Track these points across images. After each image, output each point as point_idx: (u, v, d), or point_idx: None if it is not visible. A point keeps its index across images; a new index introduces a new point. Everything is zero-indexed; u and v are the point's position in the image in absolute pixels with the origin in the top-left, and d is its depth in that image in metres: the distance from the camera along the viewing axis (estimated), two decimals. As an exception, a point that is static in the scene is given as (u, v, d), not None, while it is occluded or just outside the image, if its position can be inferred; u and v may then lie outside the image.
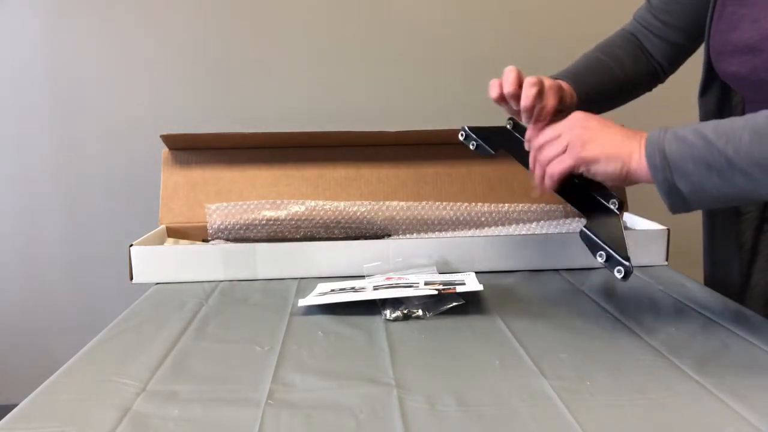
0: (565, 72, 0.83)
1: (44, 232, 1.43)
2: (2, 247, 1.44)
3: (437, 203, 1.03)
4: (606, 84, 0.84)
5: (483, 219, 1.02)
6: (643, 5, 0.86)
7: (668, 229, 0.92)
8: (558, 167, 0.64)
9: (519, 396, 0.52)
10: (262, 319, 0.72)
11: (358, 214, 1.00)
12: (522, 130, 0.72)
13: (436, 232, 1.00)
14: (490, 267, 0.89)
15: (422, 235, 0.98)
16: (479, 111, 1.29)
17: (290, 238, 1.00)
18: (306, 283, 0.85)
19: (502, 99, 0.70)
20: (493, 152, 0.78)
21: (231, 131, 1.02)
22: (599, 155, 0.61)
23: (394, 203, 1.01)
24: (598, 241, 0.65)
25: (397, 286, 0.76)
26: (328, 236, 1.00)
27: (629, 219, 1.03)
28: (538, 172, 0.67)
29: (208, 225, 1.00)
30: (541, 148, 0.66)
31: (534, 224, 1.01)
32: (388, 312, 0.71)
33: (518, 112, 0.70)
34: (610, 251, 0.64)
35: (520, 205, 1.04)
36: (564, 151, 0.63)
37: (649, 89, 0.88)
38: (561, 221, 1.01)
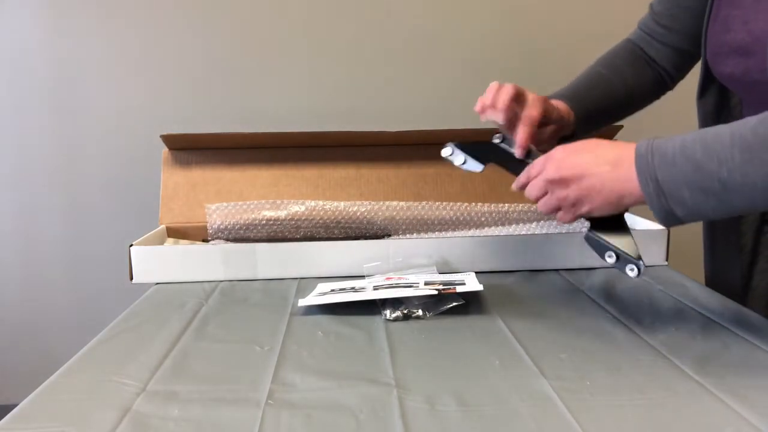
0: (564, 90, 0.83)
1: (44, 232, 1.43)
2: (2, 247, 1.44)
3: (437, 203, 1.03)
4: (607, 99, 0.84)
5: (483, 219, 1.02)
6: (646, 13, 0.86)
7: (668, 229, 0.92)
8: (566, 218, 0.63)
9: (519, 396, 0.52)
10: (262, 319, 0.72)
11: (358, 214, 1.00)
12: (511, 143, 0.71)
13: (436, 232, 1.00)
14: (490, 267, 0.89)
15: (422, 235, 0.98)
16: (479, 111, 1.29)
17: (290, 238, 1.00)
18: (306, 283, 0.85)
19: (484, 111, 0.72)
20: (481, 168, 0.75)
21: (231, 131, 1.02)
22: (595, 208, 0.61)
23: (394, 203, 1.01)
24: (606, 242, 0.63)
25: (397, 286, 0.76)
26: (328, 236, 1.00)
27: (629, 219, 1.03)
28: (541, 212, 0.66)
29: (208, 225, 1.00)
30: (535, 197, 0.66)
31: (534, 224, 1.01)
32: (388, 312, 0.71)
33: (504, 127, 0.72)
34: (620, 251, 0.63)
35: (520, 205, 1.04)
36: (560, 208, 0.63)
37: (657, 97, 0.88)
38: (561, 221, 1.01)
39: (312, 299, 0.75)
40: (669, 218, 0.56)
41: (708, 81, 0.78)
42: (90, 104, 1.39)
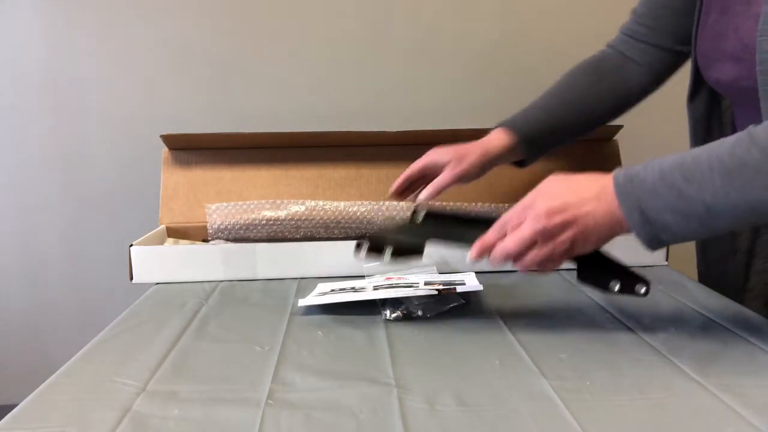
0: (519, 115, 0.87)
1: (44, 232, 1.43)
2: (2, 247, 1.44)
3: (437, 203, 1.03)
4: (560, 122, 0.86)
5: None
6: (628, 19, 0.86)
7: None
8: (553, 266, 0.60)
9: (519, 396, 0.52)
10: (262, 319, 0.72)
11: (358, 214, 1.00)
12: (438, 215, 0.65)
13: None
14: (490, 267, 0.89)
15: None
16: (479, 111, 1.29)
17: (290, 238, 1.00)
18: (306, 283, 0.85)
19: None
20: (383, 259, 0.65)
21: (231, 131, 1.02)
22: (590, 246, 0.59)
23: (394, 203, 1.01)
24: (603, 276, 0.62)
25: (397, 286, 0.76)
26: (328, 236, 1.00)
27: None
28: (522, 268, 0.61)
29: (208, 225, 1.00)
30: (516, 253, 0.60)
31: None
32: (388, 312, 0.71)
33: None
34: (627, 270, 0.62)
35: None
36: (551, 257, 0.59)
37: (639, 99, 0.88)
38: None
39: (312, 299, 0.75)
40: (654, 243, 0.56)
41: (698, 85, 0.79)
42: (90, 104, 1.39)
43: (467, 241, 0.61)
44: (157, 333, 0.68)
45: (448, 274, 0.83)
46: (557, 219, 0.57)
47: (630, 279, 0.62)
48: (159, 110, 1.38)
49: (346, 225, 1.00)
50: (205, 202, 1.02)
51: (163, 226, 1.00)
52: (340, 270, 0.88)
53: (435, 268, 0.87)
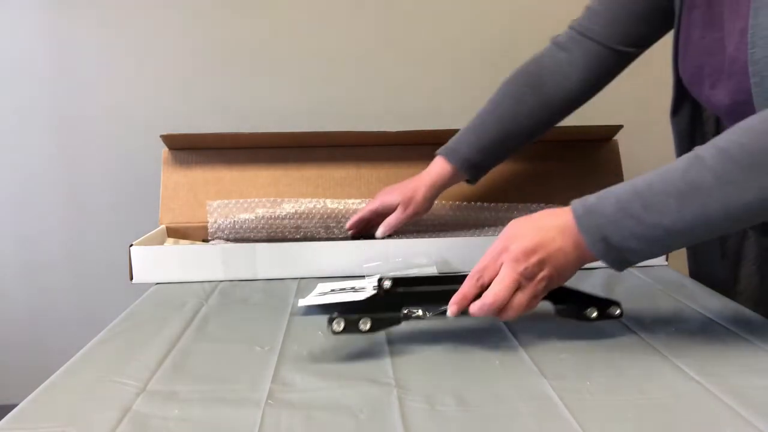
0: (458, 139, 0.90)
1: (44, 232, 1.43)
2: (2, 246, 1.44)
3: (437, 203, 1.03)
4: (501, 135, 0.88)
5: (483, 219, 1.02)
6: (581, 14, 0.86)
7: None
8: (534, 304, 0.60)
9: (519, 396, 0.52)
10: (262, 319, 0.72)
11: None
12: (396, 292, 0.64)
13: (436, 232, 1.00)
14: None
15: (422, 235, 0.98)
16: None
17: (290, 238, 1.00)
18: (306, 283, 0.85)
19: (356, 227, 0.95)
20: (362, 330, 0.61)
21: (231, 131, 1.02)
22: (564, 280, 0.61)
23: (394, 203, 1.01)
24: (579, 307, 0.64)
25: (397, 286, 0.76)
26: (328, 236, 1.00)
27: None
28: (506, 317, 0.60)
29: (208, 223, 1.00)
30: (502, 301, 0.59)
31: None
32: (388, 312, 0.71)
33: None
34: (600, 297, 0.65)
35: (520, 204, 1.04)
36: (534, 294, 0.59)
37: (578, 105, 0.89)
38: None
39: (312, 299, 0.75)
40: (622, 266, 0.59)
41: (681, 99, 0.79)
42: (90, 104, 1.39)
43: (441, 299, 0.61)
44: (157, 333, 0.68)
45: (448, 274, 0.83)
46: (534, 258, 0.58)
47: (604, 304, 0.64)
48: (159, 110, 1.38)
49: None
50: (205, 203, 1.02)
51: (163, 226, 1.00)
52: (340, 270, 0.88)
53: (435, 268, 0.87)
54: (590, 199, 0.59)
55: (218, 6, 1.36)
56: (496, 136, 0.88)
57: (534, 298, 0.59)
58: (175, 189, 1.04)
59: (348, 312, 0.59)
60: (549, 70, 0.87)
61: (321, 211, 1.00)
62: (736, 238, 0.83)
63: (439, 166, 0.90)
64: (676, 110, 0.81)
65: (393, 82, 1.40)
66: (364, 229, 0.97)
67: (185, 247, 0.94)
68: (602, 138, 1.10)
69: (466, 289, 0.60)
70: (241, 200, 1.02)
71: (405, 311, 0.68)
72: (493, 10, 1.38)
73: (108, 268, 1.42)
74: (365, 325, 0.58)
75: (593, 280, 0.85)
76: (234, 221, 1.00)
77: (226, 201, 1.01)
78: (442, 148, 0.91)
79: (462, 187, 0.96)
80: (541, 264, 0.58)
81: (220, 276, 0.88)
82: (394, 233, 0.95)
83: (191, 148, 1.06)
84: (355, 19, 1.38)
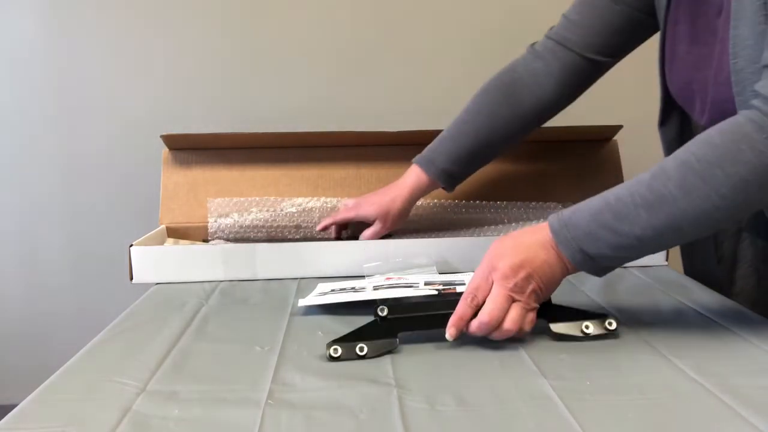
0: (433, 148, 0.92)
1: (44, 232, 1.43)
2: (2, 247, 1.44)
3: (437, 203, 1.03)
4: (476, 144, 0.90)
5: (483, 219, 1.02)
6: (558, 23, 0.86)
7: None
8: (531, 319, 0.62)
9: (519, 396, 0.52)
10: (262, 319, 0.72)
11: (358, 214, 0.99)
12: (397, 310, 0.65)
13: (436, 232, 1.00)
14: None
15: (422, 235, 0.98)
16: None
17: (290, 238, 1.00)
18: (306, 283, 0.85)
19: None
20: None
21: (231, 131, 1.02)
22: (551, 292, 0.64)
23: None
24: (572, 321, 0.64)
25: (397, 286, 0.76)
26: (328, 236, 1.00)
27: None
28: (505, 333, 0.62)
29: (209, 221, 1.00)
30: (498, 317, 0.61)
31: (534, 222, 1.01)
32: (388, 312, 0.71)
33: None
34: (592, 312, 0.65)
35: (519, 203, 1.04)
36: (526, 308, 0.61)
37: (553, 114, 0.90)
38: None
39: (312, 299, 0.75)
40: (601, 272, 0.63)
41: (668, 109, 0.80)
42: (90, 104, 1.39)
43: (437, 322, 0.63)
44: (157, 333, 0.68)
45: (448, 274, 0.83)
46: (522, 273, 0.61)
47: (598, 318, 0.64)
48: (159, 110, 1.38)
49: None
50: (205, 203, 1.02)
51: (163, 226, 1.00)
52: (340, 270, 0.88)
53: (435, 268, 0.87)
54: (565, 213, 0.63)
55: (218, 6, 1.36)
56: (473, 147, 0.90)
57: (528, 312, 0.62)
58: (175, 189, 1.04)
59: (345, 340, 0.61)
60: (525, 80, 0.88)
61: (321, 211, 1.00)
62: (731, 241, 0.84)
63: (415, 176, 0.91)
64: (663, 121, 0.83)
65: (393, 82, 1.40)
66: (336, 233, 0.98)
67: (185, 247, 0.94)
68: (602, 138, 1.10)
69: (461, 310, 0.62)
70: (242, 198, 1.02)
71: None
72: (493, 10, 1.38)
73: (108, 268, 1.42)
74: (362, 351, 0.60)
75: (594, 280, 0.84)
76: (234, 221, 1.00)
77: (227, 199, 1.01)
78: (419, 157, 0.92)
79: (462, 187, 0.96)
80: (528, 278, 0.61)
81: (220, 276, 0.88)
82: (394, 233, 0.95)
83: (191, 148, 1.06)
84: (356, 20, 1.38)
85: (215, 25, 1.37)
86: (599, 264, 0.62)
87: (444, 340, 0.62)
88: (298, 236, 1.00)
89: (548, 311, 0.64)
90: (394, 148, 1.07)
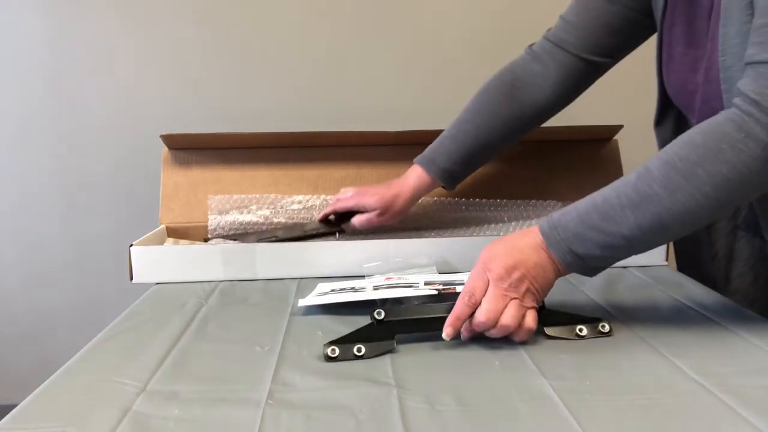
0: (434, 148, 0.92)
1: (44, 232, 1.43)
2: (2, 246, 1.44)
3: (437, 201, 1.03)
4: (477, 143, 0.90)
5: (483, 218, 1.02)
6: (555, 25, 0.87)
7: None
8: (533, 327, 0.62)
9: (519, 396, 0.52)
10: (262, 319, 0.72)
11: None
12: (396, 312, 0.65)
13: (436, 229, 1.00)
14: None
15: (422, 234, 0.98)
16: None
17: (287, 237, 1.00)
18: (306, 283, 0.85)
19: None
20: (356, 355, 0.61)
21: (231, 131, 1.02)
22: (546, 292, 0.65)
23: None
24: (565, 324, 0.65)
25: (397, 286, 0.76)
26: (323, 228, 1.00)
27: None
28: (501, 331, 0.62)
29: (209, 219, 1.00)
30: (494, 316, 0.61)
31: (534, 221, 1.01)
32: (388, 312, 0.71)
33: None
34: (585, 316, 0.66)
35: (518, 201, 1.04)
36: (522, 305, 0.62)
37: (551, 114, 0.91)
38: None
39: (312, 299, 0.75)
40: (592, 272, 0.65)
41: (665, 110, 0.81)
42: (90, 104, 1.39)
43: (434, 324, 0.63)
44: (157, 333, 0.68)
45: (448, 274, 0.83)
46: (516, 274, 0.62)
47: (591, 321, 0.65)
48: (159, 110, 1.38)
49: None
50: (205, 203, 1.02)
51: (163, 226, 1.00)
52: (340, 270, 0.88)
53: (435, 268, 0.87)
54: (555, 216, 0.64)
55: (218, 6, 1.36)
56: (473, 147, 0.90)
57: (527, 310, 0.62)
58: (175, 189, 1.04)
59: (343, 342, 0.61)
60: (523, 82, 0.88)
61: (321, 209, 1.00)
62: (727, 240, 0.84)
63: (417, 176, 0.92)
64: (659, 121, 0.83)
65: (393, 82, 1.40)
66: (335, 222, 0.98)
67: (185, 247, 0.94)
68: (602, 138, 1.10)
69: (458, 310, 0.62)
70: (242, 195, 1.02)
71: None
72: (493, 10, 1.38)
73: (108, 268, 1.42)
74: (359, 351, 0.61)
75: (594, 280, 0.84)
76: (234, 218, 1.00)
77: (227, 196, 1.02)
78: (420, 157, 0.93)
79: (462, 185, 0.97)
80: (522, 279, 0.62)
81: (220, 276, 0.88)
82: (386, 229, 0.95)
83: (191, 148, 1.06)
84: (356, 20, 1.38)
85: (215, 25, 1.37)
86: (589, 264, 0.63)
87: (444, 340, 0.62)
88: (295, 234, 1.00)
89: (543, 315, 0.65)
90: (394, 148, 1.07)
